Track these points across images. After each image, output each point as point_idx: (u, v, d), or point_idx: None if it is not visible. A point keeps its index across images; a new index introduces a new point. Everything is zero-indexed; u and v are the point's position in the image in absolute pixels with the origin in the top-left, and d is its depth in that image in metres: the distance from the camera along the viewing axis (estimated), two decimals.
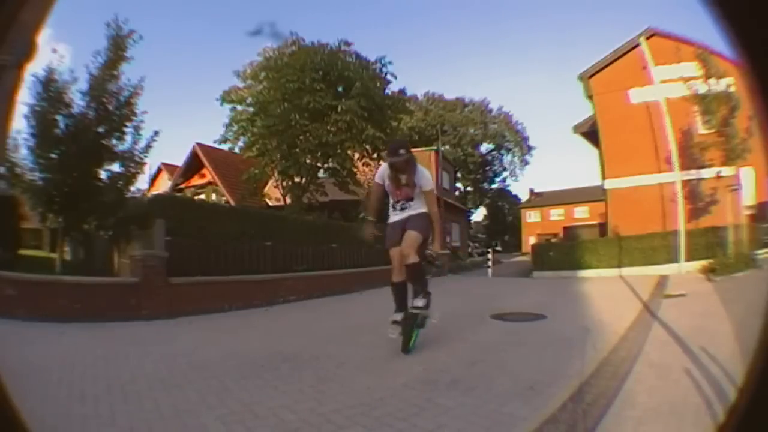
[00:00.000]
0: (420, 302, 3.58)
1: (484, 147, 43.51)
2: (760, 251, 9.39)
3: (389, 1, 44.88)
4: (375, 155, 12.87)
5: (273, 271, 7.34)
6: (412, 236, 3.54)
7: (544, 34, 61.30)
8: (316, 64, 11.64)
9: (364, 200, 3.92)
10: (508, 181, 46.12)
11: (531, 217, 41.63)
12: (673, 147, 11.75)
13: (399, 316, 3.63)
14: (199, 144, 18.31)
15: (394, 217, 3.75)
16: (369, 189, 3.93)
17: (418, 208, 3.69)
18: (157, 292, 5.62)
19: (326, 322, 5.77)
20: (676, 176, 11.77)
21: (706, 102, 11.07)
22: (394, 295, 3.71)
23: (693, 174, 11.85)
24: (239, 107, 13.40)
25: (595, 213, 25.76)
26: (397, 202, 3.73)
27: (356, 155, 13.07)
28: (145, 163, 9.63)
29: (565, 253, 13.54)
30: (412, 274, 3.59)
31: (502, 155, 44.50)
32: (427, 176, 3.71)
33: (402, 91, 14.01)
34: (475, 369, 3.21)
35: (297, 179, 12.55)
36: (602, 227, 16.51)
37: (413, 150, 3.74)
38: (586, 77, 14.77)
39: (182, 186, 19.21)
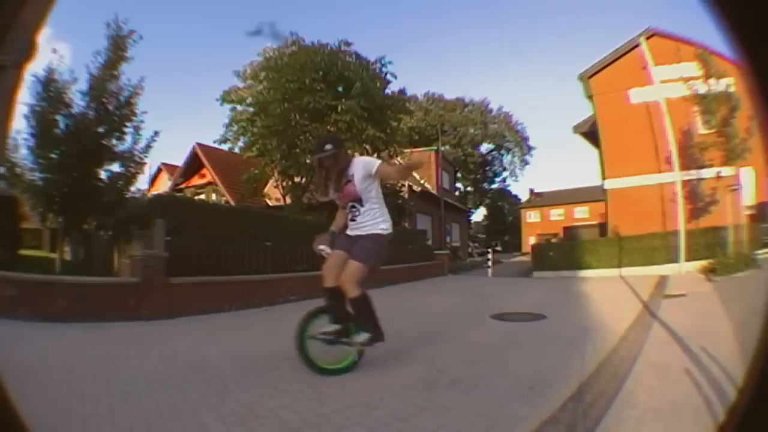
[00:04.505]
0: (362, 338, 3.01)
1: (484, 147, 43.63)
2: (760, 251, 9.39)
3: (389, 1, 44.93)
4: (375, 155, 12.87)
5: (273, 271, 7.34)
6: (352, 269, 2.94)
7: (544, 34, 61.46)
8: (316, 64, 11.63)
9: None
10: (508, 181, 46.31)
11: (531, 217, 41.71)
12: (673, 147, 11.76)
13: (332, 328, 3.04)
14: (199, 144, 18.34)
15: (348, 230, 3.16)
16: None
17: (371, 217, 3.06)
18: (157, 292, 5.62)
19: None
20: (676, 176, 11.77)
21: (706, 102, 11.09)
22: (328, 304, 3.10)
23: (693, 174, 11.86)
24: (239, 107, 13.41)
25: (595, 213, 25.81)
26: (346, 207, 3.14)
27: (356, 155, 13.05)
28: (145, 163, 9.67)
29: (565, 253, 13.55)
30: (356, 310, 3.02)
31: (502, 155, 44.62)
32: (366, 160, 3.15)
33: (402, 91, 14.01)
34: (475, 369, 3.20)
35: (297, 179, 12.55)
36: (602, 227, 16.52)
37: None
38: (586, 77, 14.77)
39: (182, 186, 19.23)
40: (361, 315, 3.03)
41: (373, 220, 3.07)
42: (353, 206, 3.10)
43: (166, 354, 3.80)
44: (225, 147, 14.30)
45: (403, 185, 15.99)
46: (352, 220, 3.12)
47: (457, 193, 33.71)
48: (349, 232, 3.15)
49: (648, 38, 13.01)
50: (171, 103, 46.71)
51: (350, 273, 2.95)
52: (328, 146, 3.08)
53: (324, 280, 3.06)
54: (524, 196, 45.46)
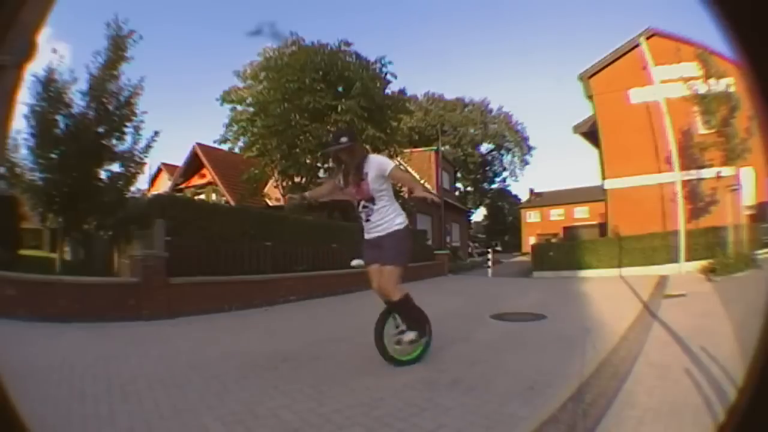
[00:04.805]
0: (409, 336, 3.17)
1: (484, 147, 43.63)
2: (760, 251, 9.39)
3: (389, 1, 44.95)
4: None
5: (273, 271, 7.33)
6: (387, 275, 3.06)
7: (544, 35, 61.46)
8: (316, 64, 11.64)
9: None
10: (508, 181, 46.31)
11: (531, 217, 41.71)
12: (673, 147, 11.76)
13: (402, 327, 3.26)
14: (199, 144, 18.35)
15: (366, 233, 3.21)
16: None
17: (384, 214, 3.10)
18: (157, 292, 5.62)
19: (326, 322, 5.76)
20: (676, 176, 11.77)
21: (706, 102, 11.08)
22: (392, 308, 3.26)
23: (693, 174, 11.86)
24: (239, 107, 13.42)
25: (595, 213, 25.81)
26: (359, 206, 3.16)
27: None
28: (145, 163, 9.67)
29: (565, 253, 13.55)
30: (401, 311, 3.19)
31: (502, 155, 44.62)
32: (381, 161, 3.16)
33: (402, 91, 14.02)
34: (475, 369, 3.20)
35: (297, 179, 12.55)
36: (602, 227, 16.52)
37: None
38: (586, 77, 14.78)
39: (182, 186, 19.23)
40: (407, 315, 3.18)
41: (387, 217, 3.11)
42: (365, 206, 3.12)
43: (166, 354, 3.80)
44: (225, 147, 14.33)
45: (403, 186, 15.97)
46: (367, 220, 3.15)
47: (457, 193, 33.70)
48: (367, 235, 3.19)
49: (648, 38, 13.01)
50: (171, 103, 46.73)
51: (386, 279, 3.06)
52: (344, 138, 3.11)
53: (379, 295, 3.23)
54: (524, 196, 45.51)
